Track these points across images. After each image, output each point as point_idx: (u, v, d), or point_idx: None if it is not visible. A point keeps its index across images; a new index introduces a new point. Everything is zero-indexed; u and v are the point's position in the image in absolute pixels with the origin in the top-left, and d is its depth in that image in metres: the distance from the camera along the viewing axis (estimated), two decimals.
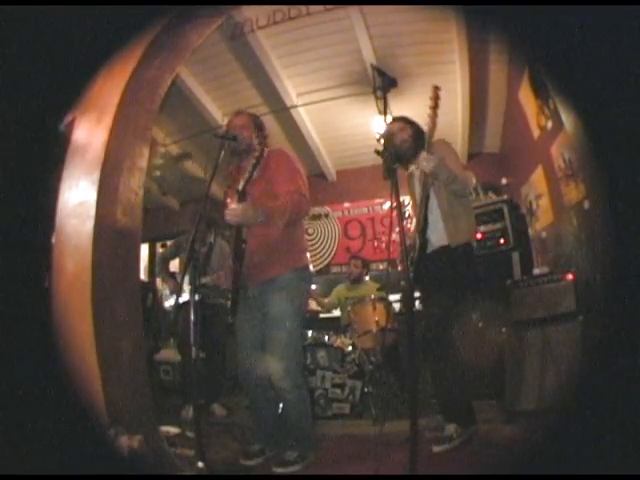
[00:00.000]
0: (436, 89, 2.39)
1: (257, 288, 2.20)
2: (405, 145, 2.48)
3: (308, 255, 2.40)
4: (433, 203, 2.39)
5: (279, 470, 2.06)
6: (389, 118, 2.18)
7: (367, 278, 4.68)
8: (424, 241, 2.32)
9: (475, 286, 2.42)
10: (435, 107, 2.35)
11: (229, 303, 2.20)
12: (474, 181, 2.56)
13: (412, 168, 2.58)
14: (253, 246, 2.14)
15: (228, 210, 2.03)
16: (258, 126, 2.33)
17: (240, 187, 2.02)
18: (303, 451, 2.12)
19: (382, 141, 2.21)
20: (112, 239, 1.96)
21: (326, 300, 4.63)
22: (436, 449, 2.10)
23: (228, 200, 2.36)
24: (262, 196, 2.11)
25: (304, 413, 2.17)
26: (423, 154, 2.31)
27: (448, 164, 2.32)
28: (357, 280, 4.47)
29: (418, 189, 2.52)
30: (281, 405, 2.32)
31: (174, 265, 3.95)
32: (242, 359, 2.22)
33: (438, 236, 2.37)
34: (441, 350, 2.24)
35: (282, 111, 4.68)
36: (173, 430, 2.43)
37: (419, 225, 2.36)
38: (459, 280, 2.30)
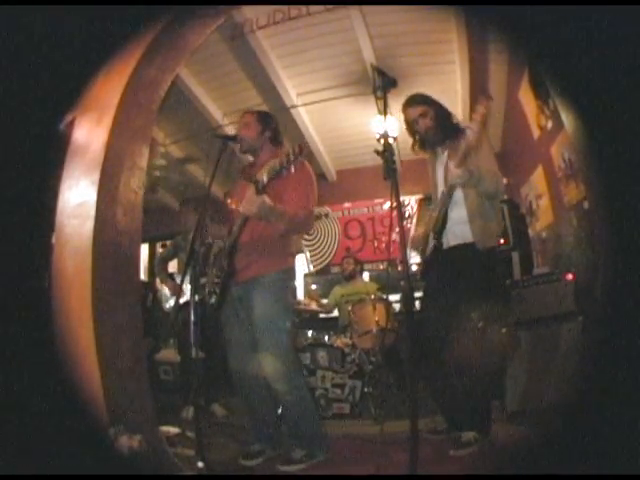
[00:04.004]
0: (488, 98, 2.04)
1: (242, 287, 2.18)
2: (430, 132, 2.25)
3: (296, 258, 2.38)
4: (457, 198, 2.19)
5: (283, 468, 2.05)
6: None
7: (366, 277, 4.73)
8: (439, 241, 2.19)
9: (490, 286, 2.20)
10: (483, 117, 1.98)
11: (213, 299, 2.20)
12: (503, 181, 2.27)
13: (438, 150, 2.34)
14: (244, 241, 2.14)
15: (246, 198, 2.01)
16: (262, 121, 2.32)
17: (265, 180, 1.98)
18: (310, 450, 2.11)
19: (382, 141, 2.13)
20: (112, 239, 1.96)
21: (325, 302, 4.67)
22: (454, 453, 2.03)
23: (229, 200, 2.37)
24: (270, 197, 2.08)
25: (306, 413, 2.15)
26: (454, 170, 2.04)
27: (480, 161, 2.08)
28: (350, 277, 4.57)
29: (439, 176, 2.32)
30: (279, 408, 2.33)
31: (173, 266, 3.95)
32: (233, 361, 2.21)
33: (459, 233, 2.19)
34: (455, 354, 2.12)
35: (282, 111, 4.68)
36: (173, 430, 2.43)
37: (437, 224, 2.20)
38: (477, 282, 2.12)
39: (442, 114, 2.26)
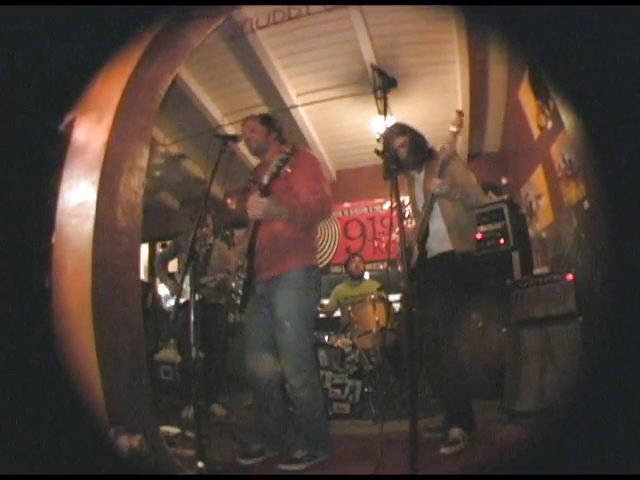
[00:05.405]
0: (460, 115, 2.40)
1: (265, 286, 2.21)
2: (409, 159, 2.51)
3: (317, 254, 2.41)
4: (436, 210, 2.39)
5: (283, 467, 2.06)
6: (387, 122, 2.19)
7: (367, 276, 4.70)
8: (423, 250, 2.33)
9: (476, 289, 2.41)
10: (457, 133, 2.38)
11: (238, 300, 2.20)
12: (483, 193, 2.61)
13: (413, 172, 2.60)
14: (263, 242, 2.15)
15: (251, 202, 2.04)
16: (266, 123, 2.36)
17: (265, 181, 2.02)
18: (313, 450, 2.11)
19: (382, 141, 2.23)
20: (112, 239, 1.96)
21: (326, 302, 4.64)
22: (445, 451, 2.09)
23: (229, 200, 2.38)
24: (283, 193, 2.11)
25: (315, 412, 2.16)
26: (435, 180, 2.32)
27: (459, 178, 2.35)
28: (359, 277, 4.51)
29: (419, 194, 2.54)
30: (290, 407, 2.34)
31: (173, 265, 3.95)
32: (249, 358, 2.23)
33: (440, 243, 2.37)
34: (445, 355, 2.25)
35: (282, 111, 4.68)
36: (173, 430, 2.43)
37: (420, 234, 2.36)
38: (462, 285, 2.31)
39: (418, 142, 2.53)
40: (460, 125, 2.40)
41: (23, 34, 1.33)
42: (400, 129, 2.56)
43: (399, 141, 2.51)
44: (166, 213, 6.51)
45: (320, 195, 2.14)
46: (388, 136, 2.52)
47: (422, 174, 2.54)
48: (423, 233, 2.35)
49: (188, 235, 3.30)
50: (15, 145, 1.37)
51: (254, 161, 4.62)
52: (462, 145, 5.28)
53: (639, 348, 1.14)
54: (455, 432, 2.17)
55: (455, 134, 2.39)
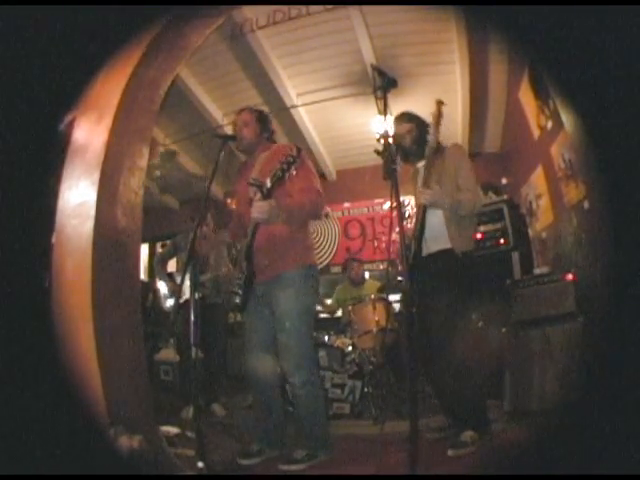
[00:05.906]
0: (439, 104, 2.38)
1: (263, 286, 2.21)
2: (414, 148, 2.48)
3: (314, 253, 2.40)
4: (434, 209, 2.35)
5: (284, 467, 2.06)
6: (391, 116, 2.17)
7: (367, 276, 4.68)
8: (419, 248, 2.31)
9: (475, 288, 2.38)
10: (437, 124, 2.37)
11: (238, 300, 2.20)
12: (481, 199, 2.52)
13: (420, 165, 2.54)
14: (259, 244, 2.16)
15: (255, 206, 2.05)
16: (262, 121, 2.35)
17: (269, 184, 2.02)
18: (313, 450, 2.11)
19: (382, 141, 2.21)
20: (112, 239, 1.96)
21: (328, 302, 4.64)
22: (451, 453, 2.05)
23: (229, 200, 2.38)
24: (281, 194, 2.10)
25: (315, 411, 2.16)
26: (419, 188, 2.30)
27: (460, 177, 2.33)
28: (360, 282, 4.49)
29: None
30: (289, 407, 2.34)
31: (172, 265, 3.95)
32: (249, 357, 2.24)
33: (438, 240, 2.33)
34: (449, 355, 2.21)
35: (282, 111, 4.68)
36: (173, 430, 2.43)
37: (415, 231, 2.34)
38: (460, 284, 2.28)
39: (425, 131, 2.48)
40: (440, 115, 2.37)
41: (23, 34, 1.33)
42: (407, 117, 2.52)
43: (405, 128, 2.47)
44: (166, 213, 6.51)
45: (314, 194, 2.16)
46: (394, 123, 2.49)
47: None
48: (419, 230, 2.33)
49: (187, 235, 3.31)
50: (15, 145, 1.37)
51: None
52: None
53: (639, 348, 1.14)
54: (467, 435, 2.12)
55: (436, 124, 2.37)
